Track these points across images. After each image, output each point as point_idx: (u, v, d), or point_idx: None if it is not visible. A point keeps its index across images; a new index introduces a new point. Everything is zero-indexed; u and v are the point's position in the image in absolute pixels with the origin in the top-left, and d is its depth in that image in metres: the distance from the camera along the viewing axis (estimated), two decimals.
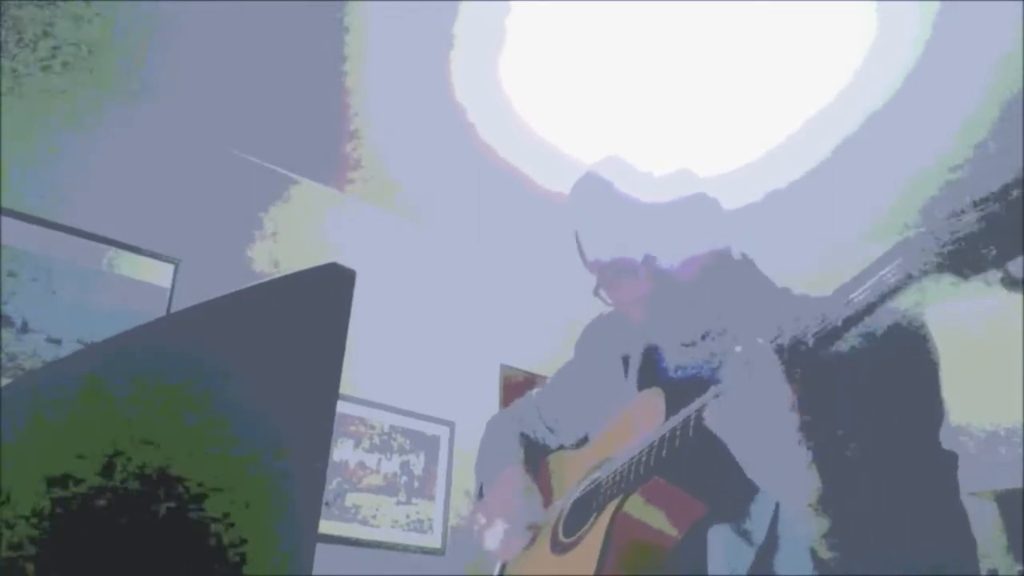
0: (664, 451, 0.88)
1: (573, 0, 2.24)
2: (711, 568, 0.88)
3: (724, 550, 0.88)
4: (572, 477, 1.12)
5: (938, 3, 2.20)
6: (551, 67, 2.51)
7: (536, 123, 2.77)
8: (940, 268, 0.65)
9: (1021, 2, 2.13)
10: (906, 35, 2.33)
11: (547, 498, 1.17)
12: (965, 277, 0.64)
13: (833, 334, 0.75)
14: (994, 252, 0.62)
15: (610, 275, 0.99)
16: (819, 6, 2.23)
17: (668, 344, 1.04)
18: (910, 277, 0.68)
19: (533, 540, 1.14)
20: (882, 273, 0.70)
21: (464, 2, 2.25)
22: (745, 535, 0.87)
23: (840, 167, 2.89)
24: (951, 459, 0.85)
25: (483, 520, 1.18)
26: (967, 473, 0.87)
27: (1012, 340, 3.19)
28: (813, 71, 2.48)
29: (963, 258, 0.64)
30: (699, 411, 0.84)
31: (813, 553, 0.80)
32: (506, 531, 1.13)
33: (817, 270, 2.95)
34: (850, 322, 0.73)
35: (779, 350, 0.76)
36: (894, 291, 0.69)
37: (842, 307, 0.73)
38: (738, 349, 0.79)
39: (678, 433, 0.86)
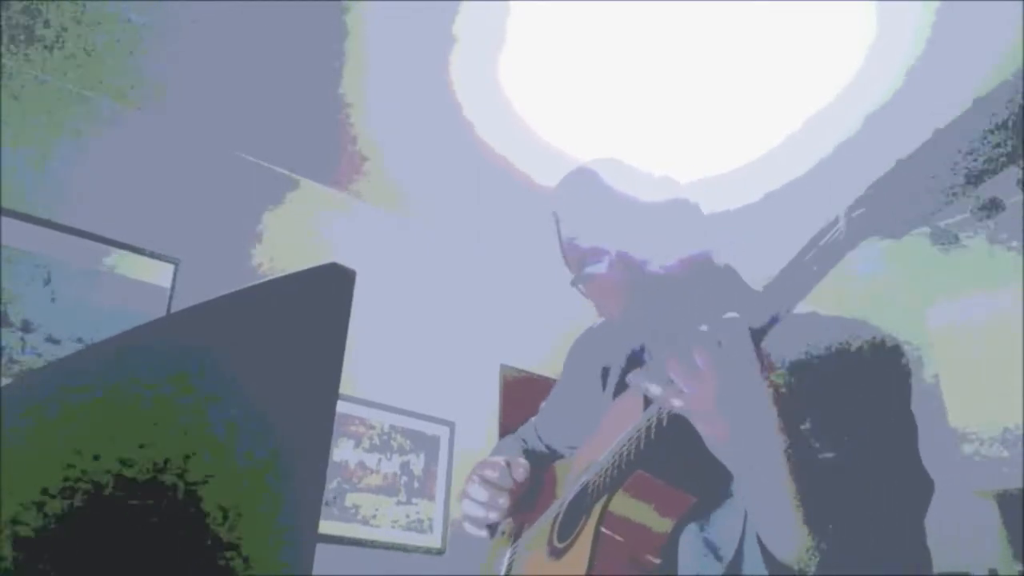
0: (642, 444, 0.88)
1: (573, 0, 2.24)
2: None
3: (694, 565, 0.88)
4: (565, 483, 1.13)
5: (938, 3, 2.20)
6: (551, 67, 2.51)
7: (536, 123, 2.77)
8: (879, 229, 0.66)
9: (1021, 2, 2.13)
10: (906, 35, 2.33)
11: (549, 499, 1.18)
12: (897, 236, 0.66)
13: (781, 313, 0.74)
14: (918, 209, 0.63)
15: (578, 258, 1.00)
16: (819, 6, 2.23)
17: (646, 340, 1.04)
18: (853, 237, 0.68)
19: (509, 529, 1.15)
20: (827, 237, 0.70)
21: (464, 2, 2.25)
22: (714, 550, 0.87)
23: (840, 167, 2.88)
24: (924, 487, 0.82)
25: (466, 489, 1.20)
26: (967, 473, 0.86)
27: (1012, 340, 3.19)
28: (813, 71, 2.48)
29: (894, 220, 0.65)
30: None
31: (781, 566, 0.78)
32: (487, 497, 1.15)
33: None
34: (803, 290, 0.72)
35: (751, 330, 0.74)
36: (841, 250, 0.69)
37: (795, 279, 0.73)
38: (704, 328, 0.75)
39: (653, 424, 0.86)
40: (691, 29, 2.34)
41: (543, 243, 3.79)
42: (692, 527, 0.89)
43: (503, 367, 3.43)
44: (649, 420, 0.87)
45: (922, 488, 0.82)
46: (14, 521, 0.49)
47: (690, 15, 2.28)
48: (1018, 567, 3.05)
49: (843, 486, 0.77)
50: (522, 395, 3.24)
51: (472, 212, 3.34)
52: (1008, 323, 3.21)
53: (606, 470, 0.95)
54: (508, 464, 1.18)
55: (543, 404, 1.39)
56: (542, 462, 1.30)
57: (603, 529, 0.91)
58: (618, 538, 0.91)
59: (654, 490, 0.90)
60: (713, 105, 2.64)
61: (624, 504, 0.92)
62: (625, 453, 0.91)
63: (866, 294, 2.99)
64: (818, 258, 0.71)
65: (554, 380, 1.41)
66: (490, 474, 1.17)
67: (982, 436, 3.35)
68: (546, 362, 3.37)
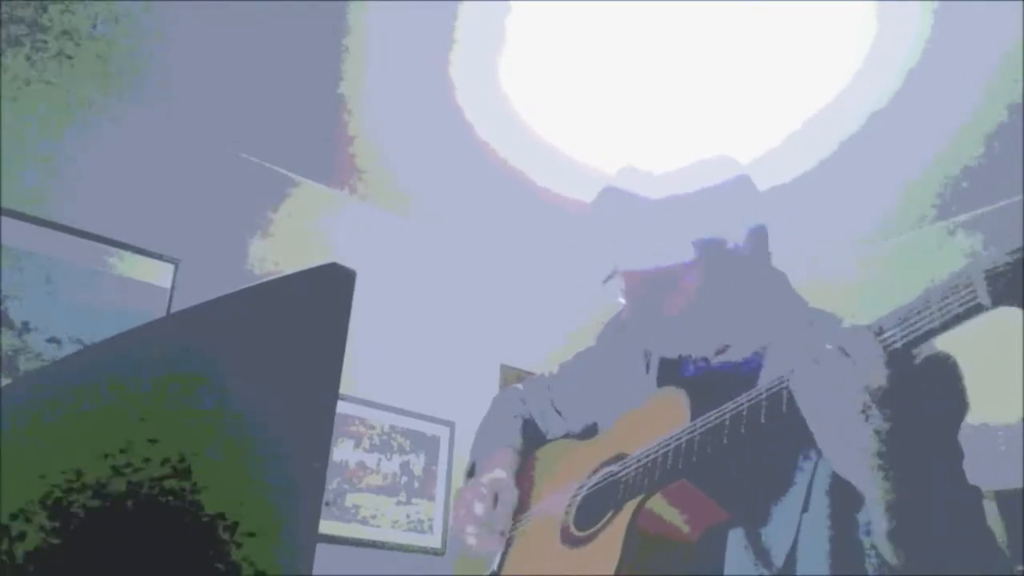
0: (695, 455, 0.87)
1: (574, 0, 2.24)
2: None
3: (741, 568, 0.88)
4: (579, 470, 1.10)
5: (939, 2, 2.20)
6: (551, 67, 2.51)
7: (536, 123, 2.77)
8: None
9: (1021, 2, 2.13)
10: (906, 34, 2.33)
11: (528, 493, 1.17)
12: None
13: (922, 337, 0.73)
14: None
15: (645, 285, 1.00)
16: (819, 6, 2.23)
17: (693, 344, 1.04)
18: (994, 300, 0.67)
19: (509, 540, 1.15)
20: (970, 288, 0.68)
21: (464, 2, 2.25)
22: (764, 556, 0.86)
23: (840, 167, 2.88)
24: (975, 494, 0.84)
25: (458, 515, 1.18)
26: (967, 473, 0.87)
27: (1012, 340, 3.19)
28: (813, 71, 2.48)
29: None
30: (771, 396, 0.83)
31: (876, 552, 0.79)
32: (477, 533, 1.14)
33: (816, 270, 2.95)
34: (934, 332, 0.71)
35: (883, 342, 0.74)
36: (977, 310, 0.68)
37: (929, 313, 0.72)
38: (829, 346, 0.76)
39: (712, 436, 0.86)
40: (690, 30, 2.33)
41: (543, 243, 3.79)
42: (740, 531, 0.89)
43: (503, 367, 3.43)
44: (708, 429, 0.87)
45: (971, 495, 0.85)
46: (14, 521, 0.49)
47: (689, 16, 2.28)
48: (1019, 567, 3.05)
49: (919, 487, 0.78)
50: None
51: (472, 212, 3.34)
52: (1008, 323, 3.21)
53: (646, 469, 0.94)
54: (496, 496, 1.15)
55: (564, 363, 1.35)
56: (534, 443, 1.28)
57: (637, 527, 0.91)
58: (652, 537, 0.91)
59: (692, 499, 0.90)
60: (713, 106, 2.64)
61: (660, 505, 0.92)
62: (672, 457, 0.90)
63: (866, 295, 2.99)
64: (942, 313, 0.70)
65: None
66: (479, 510, 1.14)
67: (982, 435, 3.34)
68: (546, 362, 3.36)
